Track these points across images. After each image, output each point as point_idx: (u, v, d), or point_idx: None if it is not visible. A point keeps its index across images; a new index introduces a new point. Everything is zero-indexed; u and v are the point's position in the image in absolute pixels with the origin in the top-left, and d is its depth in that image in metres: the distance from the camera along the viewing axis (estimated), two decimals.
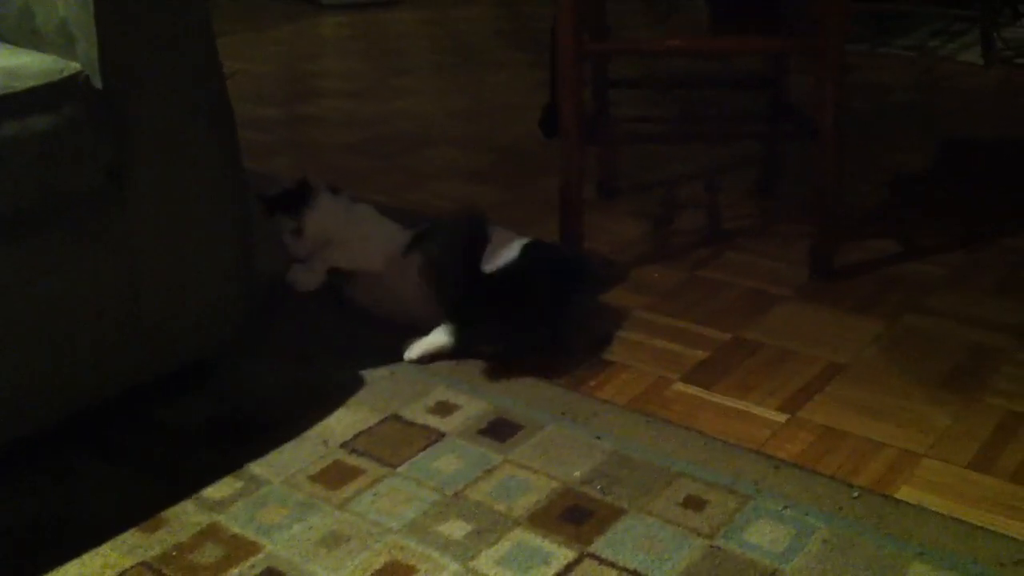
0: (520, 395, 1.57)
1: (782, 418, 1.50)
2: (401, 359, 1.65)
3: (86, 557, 1.25)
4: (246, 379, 1.63)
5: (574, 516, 1.31)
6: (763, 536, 1.26)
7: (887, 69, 3.41)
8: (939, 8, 3.80)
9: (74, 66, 1.37)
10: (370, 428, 1.49)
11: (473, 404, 1.54)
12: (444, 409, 1.54)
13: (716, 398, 1.56)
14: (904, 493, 1.34)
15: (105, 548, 1.26)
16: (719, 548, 1.25)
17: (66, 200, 1.36)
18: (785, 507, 1.31)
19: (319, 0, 4.49)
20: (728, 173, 2.49)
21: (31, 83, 1.31)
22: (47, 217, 1.35)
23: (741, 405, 1.54)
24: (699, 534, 1.27)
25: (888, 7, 3.83)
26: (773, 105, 2.25)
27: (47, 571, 1.23)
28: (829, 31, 1.79)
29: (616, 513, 1.31)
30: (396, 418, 1.52)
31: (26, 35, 1.44)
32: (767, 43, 2.17)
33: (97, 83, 1.38)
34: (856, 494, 1.33)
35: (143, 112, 1.43)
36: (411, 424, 1.50)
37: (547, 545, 1.26)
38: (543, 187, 2.35)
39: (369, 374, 1.62)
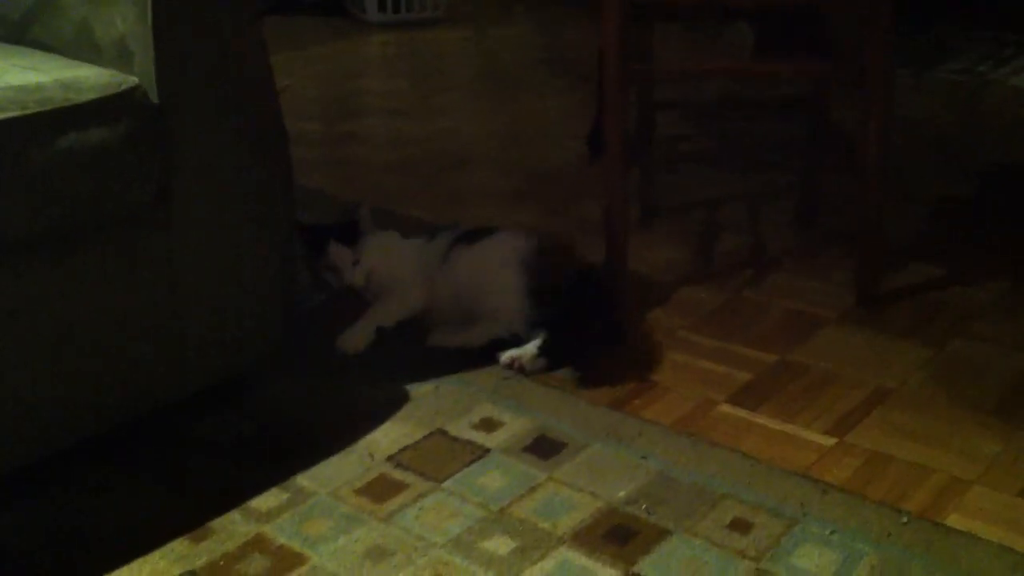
0: (564, 413, 1.57)
1: (829, 442, 1.49)
2: (445, 374, 1.66)
3: (135, 564, 1.26)
4: (287, 395, 1.64)
5: (619, 536, 1.30)
6: (811, 560, 1.25)
7: (934, 94, 3.39)
8: (989, 32, 3.77)
9: (132, 80, 1.39)
10: (415, 443, 1.50)
11: (517, 421, 1.54)
12: (489, 425, 1.54)
13: (762, 420, 1.55)
14: (954, 520, 1.32)
15: (154, 556, 1.27)
16: (766, 571, 1.24)
17: (114, 217, 1.38)
18: (833, 532, 1.30)
19: (364, 19, 4.52)
20: (770, 197, 2.48)
21: (90, 96, 1.33)
22: (95, 233, 1.37)
23: (787, 428, 1.53)
24: (745, 556, 1.26)
25: (937, 30, 3.81)
26: (816, 131, 2.25)
27: None
28: (874, 59, 1.78)
29: (661, 534, 1.30)
30: (441, 433, 1.52)
31: (85, 50, 1.46)
32: (810, 68, 2.16)
33: (153, 98, 1.40)
34: (905, 520, 1.32)
35: (195, 129, 1.45)
36: (456, 439, 1.50)
37: (592, 564, 1.25)
38: (583, 210, 2.36)
39: (413, 389, 1.63)
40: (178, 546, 1.29)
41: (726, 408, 1.59)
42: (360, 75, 3.90)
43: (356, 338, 1.74)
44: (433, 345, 1.74)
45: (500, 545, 1.29)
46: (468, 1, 4.87)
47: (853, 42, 1.93)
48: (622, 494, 1.38)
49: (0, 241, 1.26)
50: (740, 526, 1.31)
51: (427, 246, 1.86)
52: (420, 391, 1.63)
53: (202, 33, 1.45)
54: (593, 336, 1.74)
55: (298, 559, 1.27)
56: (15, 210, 1.26)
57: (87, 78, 1.36)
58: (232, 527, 1.33)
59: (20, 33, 1.53)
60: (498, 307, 1.75)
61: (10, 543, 1.31)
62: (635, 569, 1.24)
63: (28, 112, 1.27)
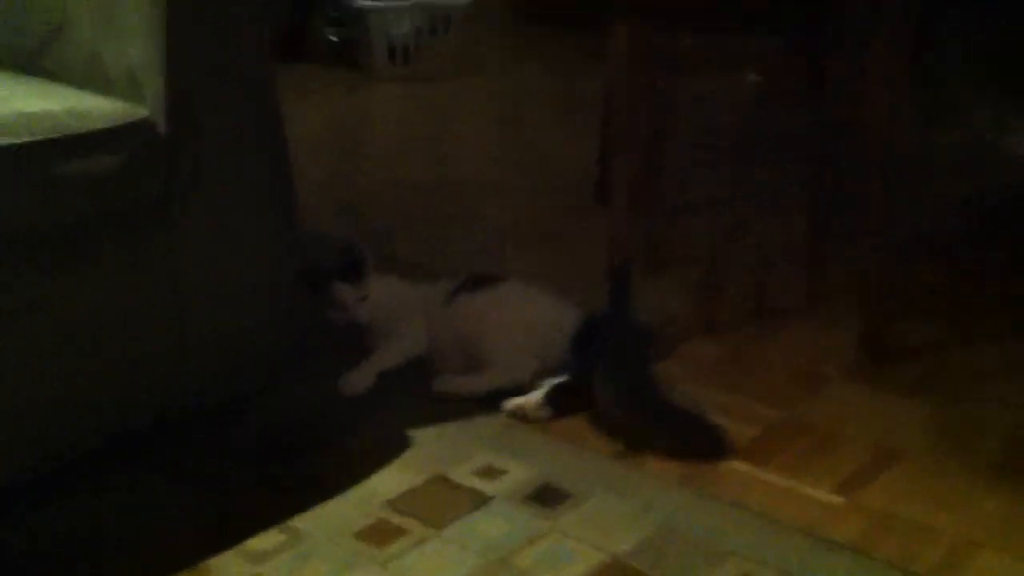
0: (568, 463, 1.54)
1: (836, 500, 1.47)
2: (448, 420, 1.64)
3: None
4: (288, 428, 1.63)
5: None
6: None
7: (939, 156, 3.39)
8: (997, 95, 3.76)
9: (141, 112, 1.39)
10: (415, 488, 1.47)
11: (520, 469, 1.52)
12: (491, 472, 1.51)
13: (768, 476, 1.53)
14: None
15: None
16: None
17: (119, 230, 1.39)
18: None
19: (373, 71, 4.54)
20: (777, 245, 2.46)
21: (98, 125, 1.33)
22: (98, 238, 1.37)
23: (793, 484, 1.51)
24: None
25: (939, 92, 3.82)
26: (819, 180, 2.24)
27: None
28: (875, 110, 1.78)
29: None
30: (442, 479, 1.49)
31: (95, 80, 1.46)
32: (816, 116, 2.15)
33: (162, 129, 1.39)
34: None
35: (204, 156, 1.46)
36: (458, 486, 1.48)
37: None
38: (590, 253, 2.35)
39: (415, 433, 1.60)
40: None
41: (732, 463, 1.56)
42: (367, 124, 3.92)
43: (358, 381, 1.72)
44: (437, 392, 1.72)
45: None
46: (477, 55, 4.90)
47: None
48: (625, 547, 1.35)
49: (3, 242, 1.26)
50: None
51: (430, 290, 1.86)
52: (422, 436, 1.60)
53: (213, 65, 1.46)
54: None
55: None
56: (19, 218, 1.27)
57: (97, 107, 1.36)
58: (227, 568, 1.30)
59: (32, 63, 1.53)
60: (501, 356, 1.73)
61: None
62: None
63: (37, 138, 1.26)
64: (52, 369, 1.34)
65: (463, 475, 1.50)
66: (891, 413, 1.72)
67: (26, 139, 1.25)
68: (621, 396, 1.64)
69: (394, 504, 1.43)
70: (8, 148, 1.24)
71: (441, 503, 1.44)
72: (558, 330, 1.75)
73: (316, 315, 1.82)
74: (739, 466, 1.55)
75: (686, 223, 2.55)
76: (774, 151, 2.84)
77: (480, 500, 1.45)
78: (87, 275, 1.36)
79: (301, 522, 1.39)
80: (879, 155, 1.80)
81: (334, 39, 4.76)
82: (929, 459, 1.58)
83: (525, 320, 1.76)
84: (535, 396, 1.66)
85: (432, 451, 1.56)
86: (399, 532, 1.37)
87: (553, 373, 1.69)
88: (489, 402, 1.69)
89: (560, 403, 1.66)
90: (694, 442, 1.61)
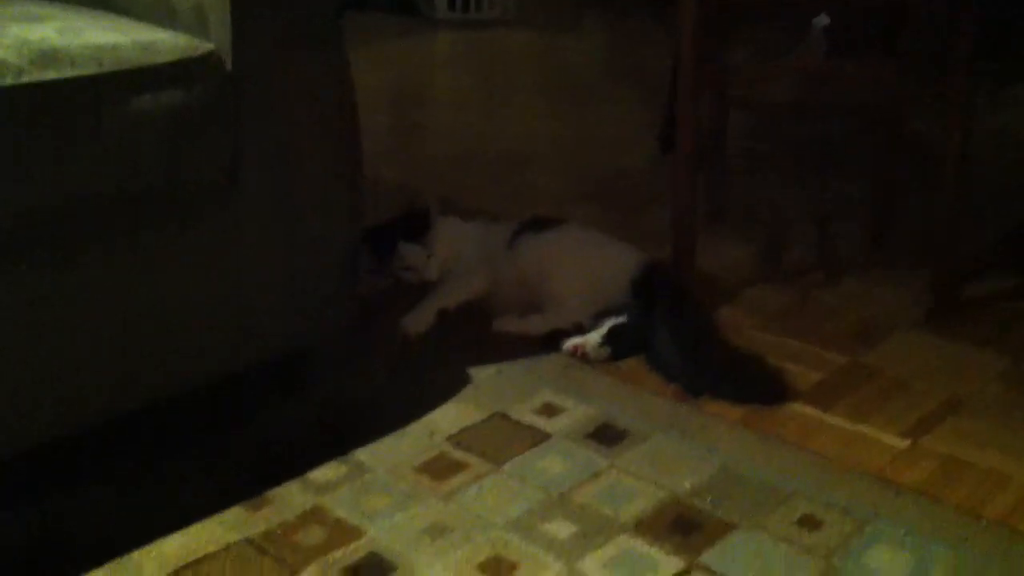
0: (628, 403, 1.53)
1: (903, 444, 1.44)
2: (508, 359, 1.63)
3: (191, 529, 1.24)
4: (349, 373, 1.63)
5: (683, 527, 1.27)
6: (882, 561, 1.21)
7: (1008, 112, 3.31)
8: None
9: (207, 46, 1.38)
10: (476, 424, 1.47)
11: (580, 408, 1.51)
12: (550, 411, 1.51)
13: (833, 420, 1.50)
14: None
15: (211, 523, 1.26)
16: (836, 569, 1.19)
17: (184, 187, 1.38)
18: (906, 533, 1.25)
19: (434, 17, 4.52)
20: (843, 203, 2.43)
21: (166, 58, 1.33)
22: (163, 206, 1.36)
23: (859, 429, 1.48)
24: (814, 554, 1.22)
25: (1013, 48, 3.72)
26: (891, 139, 2.19)
27: (152, 540, 1.23)
28: (956, 64, 1.73)
29: (727, 527, 1.26)
30: (502, 416, 1.49)
31: (161, 14, 1.46)
32: (886, 71, 2.11)
33: (228, 66, 1.39)
34: (984, 525, 1.26)
35: (267, 101, 1.44)
36: (517, 423, 1.48)
37: (655, 553, 1.22)
38: (648, 215, 2.33)
39: (476, 372, 1.60)
40: (235, 514, 1.27)
41: (796, 406, 1.54)
42: (427, 70, 3.90)
43: (419, 319, 1.72)
44: (497, 331, 1.72)
45: (561, 529, 1.25)
46: (538, 5, 4.86)
47: (933, 48, 1.89)
48: (687, 485, 1.34)
49: (75, 205, 1.26)
50: (809, 523, 1.27)
51: (492, 229, 1.85)
52: (483, 374, 1.60)
53: (279, 4, 1.45)
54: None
55: (355, 532, 1.24)
56: (91, 170, 1.25)
57: (164, 41, 1.36)
58: (290, 497, 1.31)
59: None
60: (562, 297, 1.72)
61: (73, 506, 1.31)
62: (700, 560, 1.20)
63: (104, 70, 1.26)
64: (111, 337, 1.33)
65: (523, 413, 1.50)
66: (960, 362, 1.68)
67: (93, 71, 1.25)
68: (679, 342, 1.62)
69: (455, 439, 1.43)
70: (78, 80, 1.24)
71: (501, 440, 1.44)
72: (618, 272, 1.73)
73: (383, 275, 1.81)
74: (803, 409, 1.53)
75: (750, 174, 2.52)
76: (841, 104, 2.80)
77: (540, 437, 1.44)
78: (149, 245, 1.35)
79: (363, 455, 1.40)
80: (957, 107, 1.75)
81: None
82: (998, 408, 1.54)
83: (586, 261, 1.75)
84: (594, 336, 1.65)
85: (493, 389, 1.56)
86: (459, 467, 1.38)
87: (612, 315, 1.68)
88: (549, 342, 1.68)
89: (618, 344, 1.65)
90: (755, 387, 1.59)
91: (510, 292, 1.77)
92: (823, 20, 1.94)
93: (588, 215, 2.32)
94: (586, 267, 1.75)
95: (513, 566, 1.19)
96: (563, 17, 4.89)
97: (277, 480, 1.34)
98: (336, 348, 1.68)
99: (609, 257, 1.77)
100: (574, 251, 1.78)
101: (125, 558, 1.20)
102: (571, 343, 1.65)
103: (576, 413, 1.50)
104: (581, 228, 1.86)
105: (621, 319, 1.66)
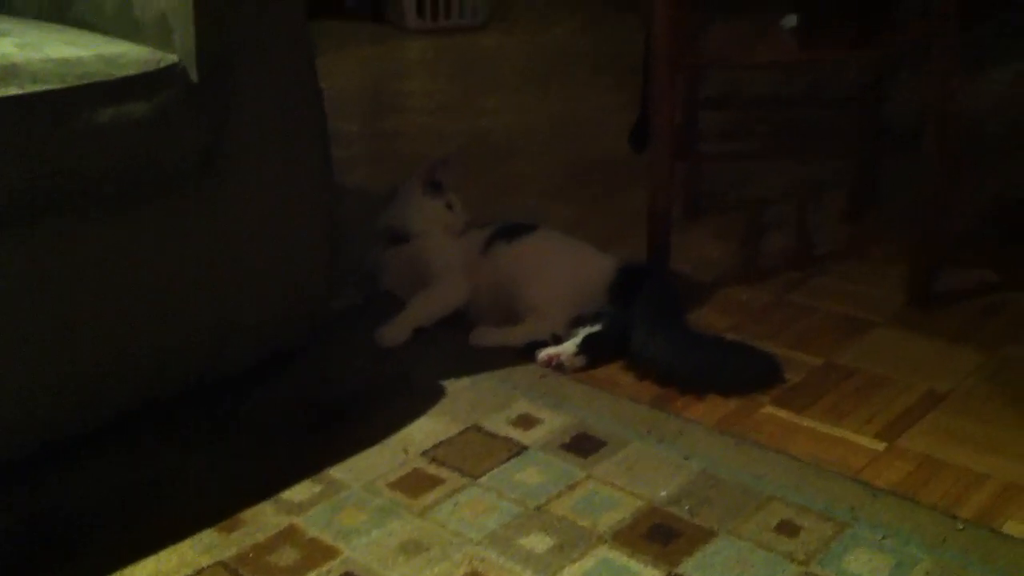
0: (604, 411, 1.52)
1: (879, 445, 1.44)
2: (482, 370, 1.62)
3: (163, 553, 1.23)
4: (323, 383, 1.62)
5: (661, 535, 1.26)
6: (862, 565, 1.20)
7: (985, 96, 3.31)
8: None
9: (171, 57, 1.37)
10: (451, 438, 1.46)
11: (556, 418, 1.50)
12: (526, 422, 1.50)
13: (809, 422, 1.50)
14: (1011, 528, 1.27)
15: (182, 546, 1.24)
16: (815, 575, 1.19)
17: (157, 183, 1.37)
18: (885, 536, 1.25)
19: (404, 25, 4.50)
20: (817, 195, 2.42)
21: (129, 71, 1.32)
22: (137, 198, 1.35)
23: (835, 431, 1.48)
24: (793, 560, 1.21)
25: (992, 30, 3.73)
26: (868, 123, 2.19)
27: (124, 565, 1.21)
28: (942, 29, 1.71)
29: (705, 535, 1.26)
30: (477, 429, 1.48)
31: (124, 26, 1.45)
32: (873, 50, 2.09)
33: (193, 75, 1.38)
34: (961, 526, 1.26)
35: (237, 104, 1.43)
36: (493, 435, 1.46)
37: (633, 564, 1.21)
38: (625, 204, 2.33)
39: (450, 384, 1.59)
40: (208, 536, 1.26)
41: (771, 409, 1.54)
42: (399, 76, 3.88)
43: (395, 333, 1.70)
44: (474, 344, 1.70)
45: (538, 542, 1.24)
46: (508, 9, 4.84)
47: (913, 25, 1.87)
48: (664, 493, 1.33)
49: (40, 203, 1.24)
50: (787, 528, 1.26)
51: (465, 240, 1.84)
52: (457, 386, 1.59)
53: (243, 12, 1.43)
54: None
55: (330, 552, 1.23)
56: (53, 179, 1.25)
57: (127, 54, 1.35)
58: (263, 518, 1.29)
59: (62, 11, 1.52)
60: (540, 306, 1.71)
61: (41, 521, 1.29)
62: (678, 570, 1.20)
63: (68, 85, 1.25)
64: (88, 334, 1.33)
65: (498, 424, 1.49)
66: (936, 359, 1.68)
67: (55, 86, 1.24)
68: (660, 340, 1.62)
69: (430, 454, 1.42)
70: (40, 95, 1.22)
71: (477, 452, 1.42)
72: (594, 279, 1.72)
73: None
74: (779, 413, 1.52)
75: (726, 170, 2.52)
76: (818, 97, 2.79)
77: (516, 449, 1.43)
78: (127, 239, 1.35)
79: (337, 472, 1.38)
80: (938, 102, 1.74)
81: None
82: (974, 404, 1.54)
83: (563, 269, 1.74)
84: (569, 346, 1.64)
85: (467, 401, 1.55)
86: (435, 481, 1.36)
87: (588, 322, 1.67)
88: (524, 352, 1.67)
89: (594, 352, 1.64)
90: (747, 371, 1.59)
91: (485, 302, 1.76)
92: (791, 21, 1.92)
93: (567, 207, 2.32)
94: (564, 274, 1.74)
95: None
96: (532, 19, 4.88)
97: (250, 500, 1.32)
98: (311, 355, 1.66)
99: (585, 264, 1.77)
100: (550, 258, 1.77)
101: None
102: (545, 353, 1.64)
103: (552, 423, 1.49)
104: (555, 234, 1.85)
105: (596, 327, 1.65)
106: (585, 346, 1.64)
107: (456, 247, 1.83)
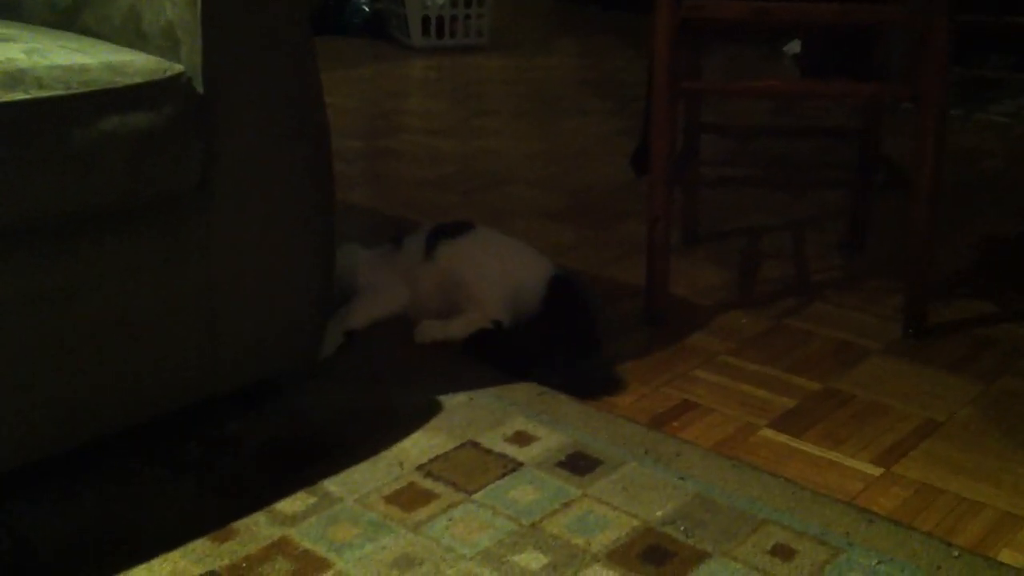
0: (600, 430, 1.52)
1: (875, 471, 1.44)
2: (479, 386, 1.62)
3: (155, 563, 1.22)
4: (319, 399, 1.61)
5: (655, 556, 1.25)
6: None
7: (981, 134, 3.34)
8: None
9: (177, 68, 1.37)
10: (446, 453, 1.45)
11: (552, 436, 1.50)
12: (522, 439, 1.49)
13: (805, 447, 1.50)
14: (1006, 556, 1.26)
15: (174, 555, 1.23)
16: None
17: (153, 203, 1.36)
18: (879, 562, 1.24)
19: (408, 44, 4.53)
20: (814, 224, 2.43)
21: (135, 80, 1.31)
22: (133, 218, 1.34)
23: (832, 456, 1.47)
24: None
25: (985, 72, 3.76)
26: (863, 156, 2.20)
27: (115, 573, 1.20)
28: (931, 78, 1.73)
29: (700, 556, 1.25)
30: (473, 445, 1.48)
31: (131, 36, 1.45)
32: (860, 89, 2.12)
33: (198, 87, 1.38)
34: (956, 554, 1.26)
35: (239, 120, 1.42)
36: (488, 452, 1.46)
37: None
38: (621, 230, 2.34)
39: (446, 400, 1.59)
40: (200, 546, 1.25)
41: (768, 433, 1.53)
42: (401, 96, 3.90)
43: (325, 344, 1.70)
44: (420, 340, 1.76)
45: (531, 560, 1.24)
46: (511, 30, 4.87)
47: (906, 66, 1.89)
48: (659, 514, 1.33)
49: (39, 222, 1.24)
50: (782, 552, 1.26)
51: (400, 249, 1.91)
52: (453, 401, 1.58)
53: (251, 24, 1.43)
54: (565, 343, 1.74)
55: (322, 564, 1.22)
56: (54, 189, 1.23)
57: (133, 62, 1.34)
58: (256, 529, 1.28)
59: (70, 20, 1.52)
60: (481, 296, 1.78)
61: (31, 536, 1.28)
62: None
63: (72, 92, 1.25)
64: (80, 355, 1.31)
65: (494, 441, 1.48)
66: (932, 387, 1.68)
67: (60, 92, 1.24)
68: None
69: (425, 468, 1.42)
70: (45, 101, 1.22)
71: (472, 468, 1.42)
72: (531, 272, 1.81)
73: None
74: (776, 436, 1.52)
75: (726, 196, 2.53)
76: (817, 125, 2.81)
77: (511, 466, 1.43)
78: (122, 259, 1.33)
79: (331, 484, 1.38)
80: (932, 129, 1.75)
81: (367, 10, 4.76)
82: (971, 433, 1.54)
83: (500, 259, 1.83)
84: (458, 329, 1.74)
85: (463, 417, 1.54)
86: (429, 496, 1.36)
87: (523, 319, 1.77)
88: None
89: (478, 350, 1.73)
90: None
91: (431, 301, 1.82)
92: (794, 48, 1.94)
93: (563, 233, 2.33)
94: (501, 265, 1.82)
95: None
96: (535, 41, 4.90)
97: (243, 511, 1.31)
98: (307, 372, 1.65)
99: (522, 256, 1.86)
100: (489, 250, 1.85)
101: None
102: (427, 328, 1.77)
103: (548, 441, 1.49)
104: (495, 232, 1.94)
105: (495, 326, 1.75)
106: (475, 340, 1.73)
107: (384, 258, 1.92)
